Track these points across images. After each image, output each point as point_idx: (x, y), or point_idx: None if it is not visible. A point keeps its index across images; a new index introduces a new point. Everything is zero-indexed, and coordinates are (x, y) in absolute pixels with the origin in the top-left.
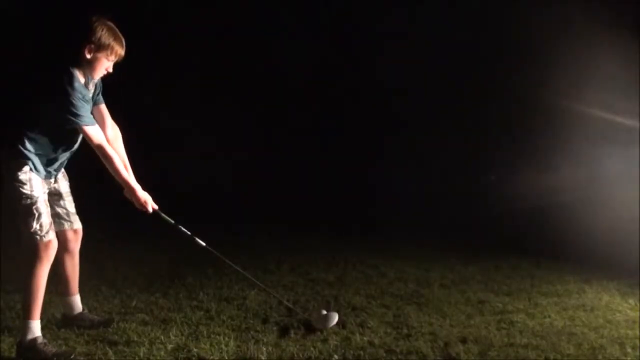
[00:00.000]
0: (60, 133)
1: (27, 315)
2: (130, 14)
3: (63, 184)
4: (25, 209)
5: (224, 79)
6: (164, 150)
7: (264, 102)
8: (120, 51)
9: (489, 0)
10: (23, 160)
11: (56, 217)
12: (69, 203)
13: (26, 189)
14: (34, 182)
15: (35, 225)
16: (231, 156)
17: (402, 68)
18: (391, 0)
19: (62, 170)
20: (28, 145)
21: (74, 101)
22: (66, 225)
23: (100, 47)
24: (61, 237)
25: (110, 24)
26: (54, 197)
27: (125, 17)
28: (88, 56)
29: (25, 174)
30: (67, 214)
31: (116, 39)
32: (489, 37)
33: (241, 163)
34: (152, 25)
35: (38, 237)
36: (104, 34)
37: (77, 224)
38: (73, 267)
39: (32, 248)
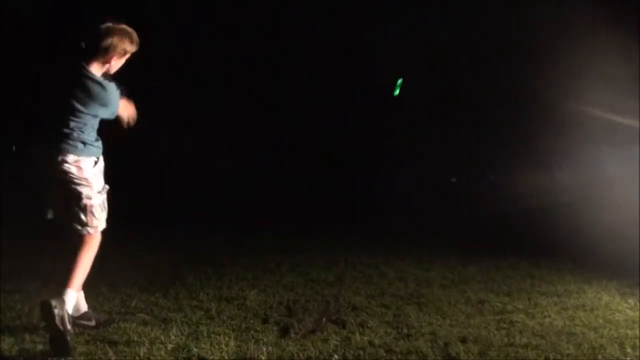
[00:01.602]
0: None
1: (71, 285)
2: (131, 13)
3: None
4: None
5: (226, 79)
6: (163, 150)
7: (265, 102)
8: (131, 47)
9: (490, 0)
10: None
11: None
12: None
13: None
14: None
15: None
16: (231, 156)
17: (403, 68)
18: (392, 0)
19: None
20: None
21: None
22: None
23: (113, 52)
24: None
25: (116, 25)
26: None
27: (126, 16)
28: (103, 60)
29: None
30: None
31: (124, 38)
32: (489, 37)
33: (241, 163)
34: (152, 24)
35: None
36: (113, 39)
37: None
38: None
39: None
